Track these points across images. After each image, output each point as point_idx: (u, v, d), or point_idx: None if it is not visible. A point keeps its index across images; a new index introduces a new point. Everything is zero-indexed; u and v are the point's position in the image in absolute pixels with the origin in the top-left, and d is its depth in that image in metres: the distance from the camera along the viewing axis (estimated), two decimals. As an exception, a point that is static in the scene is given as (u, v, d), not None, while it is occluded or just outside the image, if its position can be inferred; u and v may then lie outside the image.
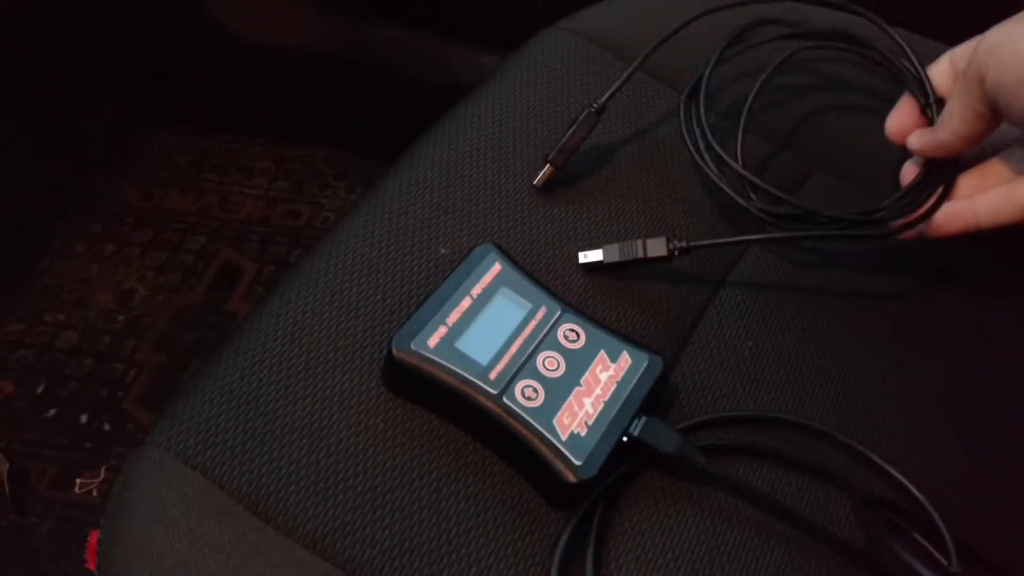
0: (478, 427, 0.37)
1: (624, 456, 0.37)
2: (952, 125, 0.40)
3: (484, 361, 0.37)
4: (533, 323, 0.39)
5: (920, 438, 0.41)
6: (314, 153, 1.12)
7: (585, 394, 0.37)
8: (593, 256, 0.44)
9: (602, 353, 0.39)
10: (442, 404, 0.38)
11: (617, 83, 0.48)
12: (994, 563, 0.37)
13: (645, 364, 0.39)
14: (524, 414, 0.36)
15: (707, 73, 0.49)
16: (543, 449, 0.35)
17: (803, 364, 0.43)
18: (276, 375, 0.40)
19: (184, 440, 0.38)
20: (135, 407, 0.90)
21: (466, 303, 0.39)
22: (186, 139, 1.14)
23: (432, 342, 0.37)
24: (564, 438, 0.36)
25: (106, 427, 0.89)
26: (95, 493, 0.84)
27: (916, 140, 0.43)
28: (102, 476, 0.85)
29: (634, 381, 0.38)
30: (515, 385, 0.37)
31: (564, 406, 0.37)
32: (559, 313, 0.40)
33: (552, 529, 0.36)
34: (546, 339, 0.39)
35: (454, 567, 0.35)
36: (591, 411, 0.37)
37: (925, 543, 0.36)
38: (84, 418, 0.89)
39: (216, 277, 1.01)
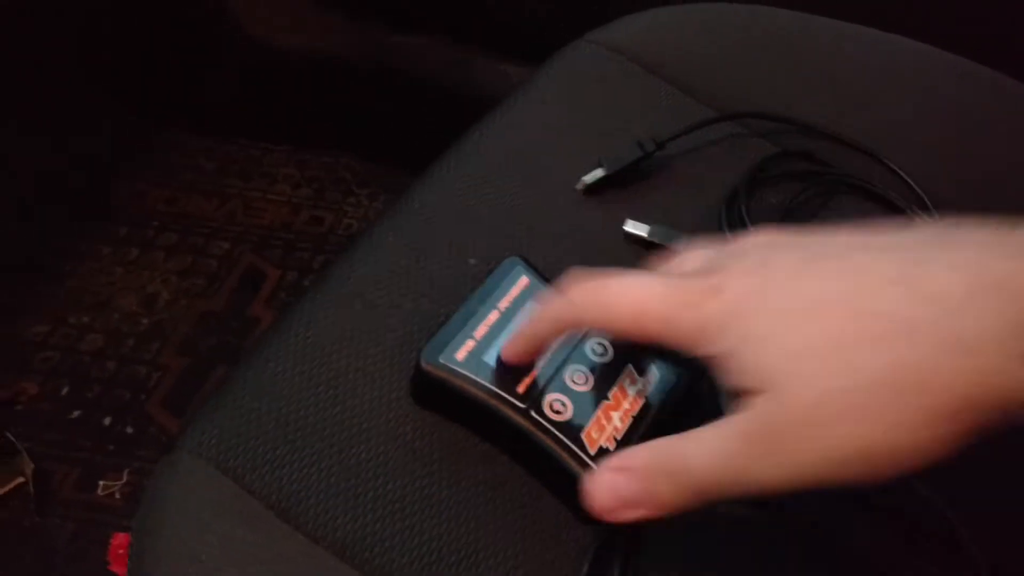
0: (507, 441, 0.37)
1: None
2: None
3: (512, 375, 0.37)
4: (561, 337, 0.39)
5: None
6: (337, 160, 1.13)
7: (613, 408, 0.37)
8: (640, 229, 0.45)
9: (629, 367, 0.39)
10: (471, 417, 0.38)
11: (690, 125, 0.50)
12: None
13: (673, 378, 0.39)
14: (552, 428, 0.36)
15: (743, 192, 0.48)
16: (572, 464, 0.35)
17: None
18: (305, 382, 0.40)
19: (215, 446, 0.38)
20: (158, 410, 0.91)
21: (493, 316, 0.39)
22: (210, 145, 1.15)
23: (460, 355, 0.37)
24: (592, 453, 0.36)
25: (129, 430, 0.89)
26: (118, 495, 0.85)
27: None
28: (125, 479, 0.86)
29: (662, 394, 0.38)
30: (543, 399, 0.37)
31: (592, 420, 0.36)
32: (585, 329, 0.39)
33: (581, 544, 0.36)
34: (574, 353, 0.38)
35: (482, 577, 0.35)
36: (619, 426, 0.37)
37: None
38: (107, 420, 0.90)
39: (239, 282, 1.01)
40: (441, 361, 0.37)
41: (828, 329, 0.24)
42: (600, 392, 0.37)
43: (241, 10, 1.05)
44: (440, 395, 0.38)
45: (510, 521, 0.37)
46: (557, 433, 0.36)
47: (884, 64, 0.57)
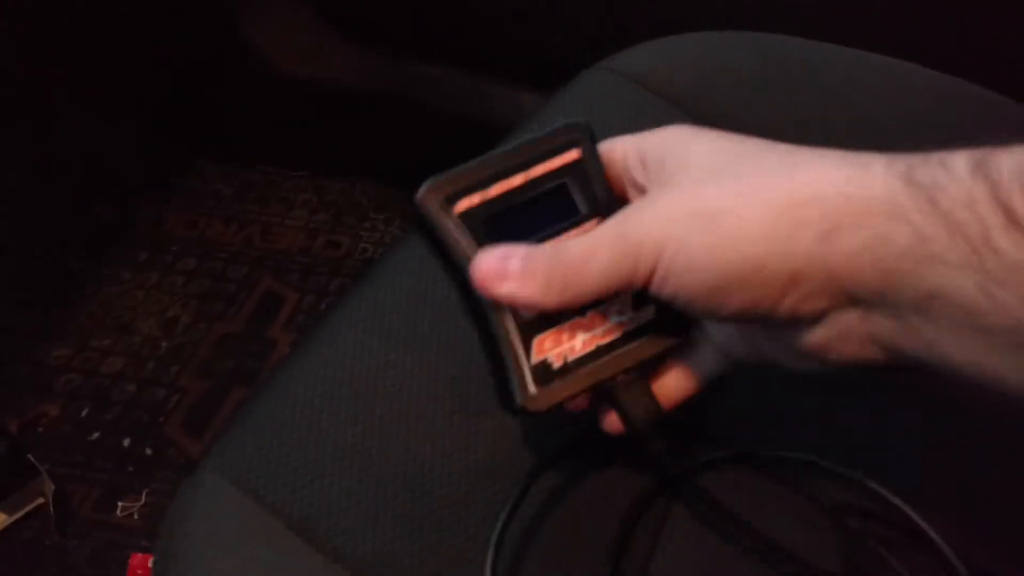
0: (470, 310, 0.34)
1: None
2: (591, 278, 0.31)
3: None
4: (575, 231, 0.34)
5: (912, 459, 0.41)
6: (354, 186, 1.15)
7: (582, 328, 0.33)
8: None
9: (627, 294, 0.34)
10: (448, 269, 0.34)
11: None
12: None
13: (666, 327, 0.34)
14: (510, 320, 0.33)
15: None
16: (509, 362, 0.33)
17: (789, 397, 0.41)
18: (326, 403, 0.41)
19: (238, 466, 0.39)
20: (176, 432, 0.92)
21: (517, 180, 0.33)
22: (229, 171, 1.17)
23: (461, 206, 0.33)
24: (533, 362, 0.33)
25: (148, 451, 0.91)
26: (136, 516, 0.86)
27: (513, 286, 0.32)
28: (143, 500, 0.87)
29: (644, 338, 0.34)
30: None
31: (553, 330, 0.33)
32: None
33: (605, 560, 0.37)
34: None
35: (499, 597, 0.36)
36: (577, 348, 0.33)
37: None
38: (127, 442, 0.91)
39: (257, 306, 1.03)
40: (439, 204, 0.33)
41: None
42: (579, 307, 0.33)
43: (261, 40, 1.07)
44: (429, 233, 0.34)
45: (530, 542, 0.37)
46: (511, 327, 0.33)
47: (900, 93, 0.57)
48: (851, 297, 0.28)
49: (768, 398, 0.36)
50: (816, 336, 0.30)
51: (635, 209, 0.31)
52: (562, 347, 0.33)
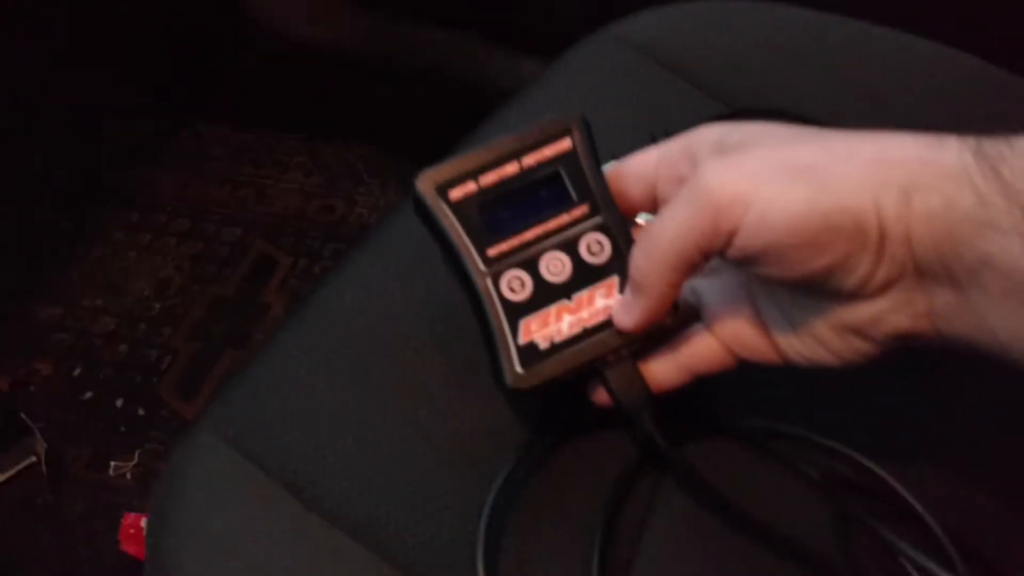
0: (467, 293, 0.35)
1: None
2: (659, 285, 0.32)
3: (494, 235, 0.35)
4: (565, 218, 0.35)
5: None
6: (349, 150, 1.14)
7: (569, 311, 0.35)
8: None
9: (615, 279, 0.35)
10: (445, 253, 0.36)
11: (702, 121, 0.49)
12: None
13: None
14: (498, 303, 0.34)
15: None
16: (498, 343, 0.34)
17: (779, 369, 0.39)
18: (323, 367, 0.41)
19: (234, 427, 0.39)
20: (169, 393, 0.92)
21: (511, 169, 0.35)
22: (224, 133, 1.16)
23: (455, 194, 0.35)
24: (520, 343, 0.34)
25: (140, 412, 0.91)
26: (128, 476, 0.86)
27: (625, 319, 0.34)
28: (136, 460, 0.87)
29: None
30: (506, 272, 0.35)
31: (539, 313, 0.34)
32: (598, 221, 0.35)
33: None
34: (566, 240, 0.35)
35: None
36: (564, 331, 0.34)
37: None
38: (119, 402, 0.91)
39: (251, 269, 1.02)
40: (435, 193, 0.35)
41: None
42: (566, 289, 0.35)
43: (258, 1, 1.06)
44: (426, 219, 0.36)
45: (523, 508, 0.37)
46: (499, 309, 0.34)
47: (899, 65, 0.57)
48: (919, 267, 0.28)
49: (758, 370, 0.37)
50: (875, 307, 0.30)
51: (710, 167, 0.30)
52: (548, 329, 0.35)
